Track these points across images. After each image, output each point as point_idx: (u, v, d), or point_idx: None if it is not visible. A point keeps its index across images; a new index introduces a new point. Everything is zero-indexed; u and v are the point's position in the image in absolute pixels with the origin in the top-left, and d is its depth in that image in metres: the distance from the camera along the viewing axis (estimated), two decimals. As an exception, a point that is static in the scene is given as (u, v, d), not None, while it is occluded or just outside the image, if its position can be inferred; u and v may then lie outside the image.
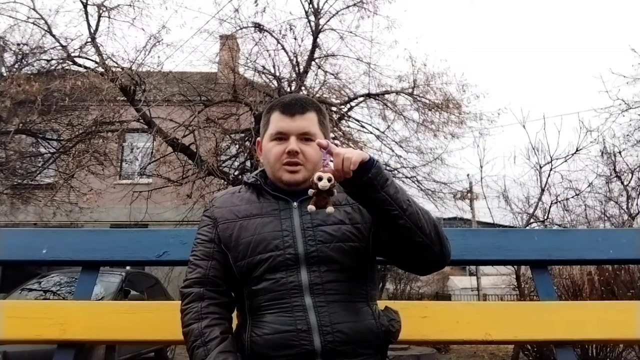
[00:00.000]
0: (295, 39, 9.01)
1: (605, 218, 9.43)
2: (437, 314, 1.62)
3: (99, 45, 8.42)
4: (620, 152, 9.22)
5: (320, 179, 1.09)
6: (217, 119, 8.71)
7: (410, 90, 9.52)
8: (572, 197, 8.91)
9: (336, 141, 8.16)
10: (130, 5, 8.61)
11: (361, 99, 9.89)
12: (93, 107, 8.98)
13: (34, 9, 8.51)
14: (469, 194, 13.16)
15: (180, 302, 1.28)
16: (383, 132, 10.14)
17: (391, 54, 26.41)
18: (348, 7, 9.25)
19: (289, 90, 8.91)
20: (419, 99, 9.56)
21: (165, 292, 7.75)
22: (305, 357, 1.14)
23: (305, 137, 1.30)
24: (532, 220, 8.42)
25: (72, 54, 8.63)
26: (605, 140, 9.03)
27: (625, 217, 9.07)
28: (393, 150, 10.24)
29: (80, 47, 8.65)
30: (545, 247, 1.74)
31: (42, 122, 9.43)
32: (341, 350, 1.15)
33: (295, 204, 1.28)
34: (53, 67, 8.89)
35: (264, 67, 9.25)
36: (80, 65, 8.67)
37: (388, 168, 9.43)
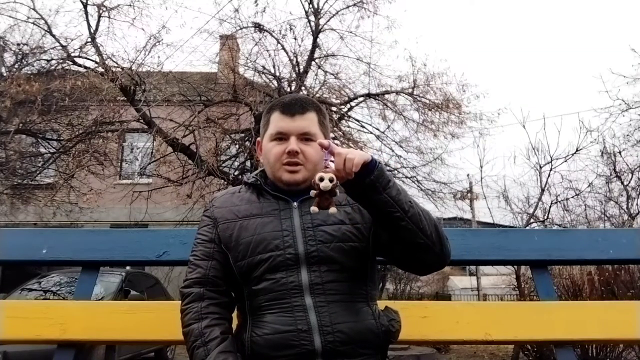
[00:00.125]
0: (295, 39, 9.03)
1: (605, 218, 9.43)
2: (437, 314, 1.62)
3: (99, 45, 8.44)
4: (620, 152, 9.24)
5: (322, 179, 1.08)
6: (217, 119, 8.71)
7: (410, 90, 9.52)
8: (572, 197, 8.93)
9: (336, 141, 8.16)
10: (130, 5, 8.63)
11: (361, 99, 9.90)
12: (93, 107, 8.98)
13: (34, 9, 8.53)
14: (469, 194, 13.16)
15: (180, 302, 1.28)
16: (383, 132, 10.16)
17: (391, 54, 26.41)
18: (348, 7, 9.27)
19: (289, 90, 8.91)
20: (419, 99, 9.57)
21: (165, 292, 7.75)
22: (305, 357, 1.14)
23: (305, 137, 1.30)
24: (532, 220, 8.42)
25: (72, 54, 8.64)
26: (605, 140, 9.05)
27: (625, 217, 9.07)
28: (393, 150, 10.26)
29: (80, 47, 8.66)
30: (545, 247, 1.74)
31: (42, 122, 9.43)
32: (341, 350, 1.15)
33: (295, 204, 1.28)
34: (53, 67, 8.89)
35: (264, 67, 9.27)
36: (80, 65, 8.67)
37: (388, 168, 9.42)
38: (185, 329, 1.23)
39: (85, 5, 8.36)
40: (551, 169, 8.10)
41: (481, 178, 8.92)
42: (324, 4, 9.14)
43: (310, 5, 9.06)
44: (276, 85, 9.25)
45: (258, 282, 1.21)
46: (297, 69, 9.10)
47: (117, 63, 8.36)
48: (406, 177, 10.17)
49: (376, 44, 9.55)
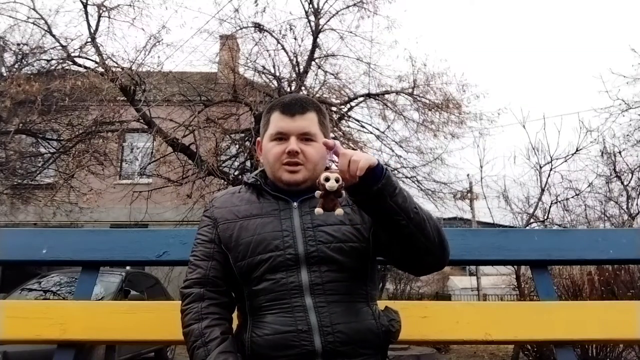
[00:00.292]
0: (295, 39, 9.02)
1: (605, 218, 9.43)
2: (437, 314, 1.62)
3: (99, 45, 8.43)
4: (620, 152, 9.23)
5: (327, 179, 1.04)
6: (217, 119, 8.70)
7: (410, 90, 9.52)
8: (572, 197, 8.93)
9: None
10: (130, 5, 8.63)
11: (361, 99, 9.89)
12: (93, 107, 8.98)
13: (34, 9, 8.52)
14: (469, 194, 13.16)
15: (180, 302, 1.28)
16: (383, 132, 10.16)
17: (391, 54, 26.41)
18: (348, 7, 9.27)
19: (289, 90, 8.91)
20: (419, 99, 9.57)
21: (165, 292, 7.75)
22: (305, 358, 1.14)
23: (305, 137, 1.30)
24: (532, 220, 8.42)
25: (72, 54, 8.64)
26: (605, 140, 9.04)
27: (625, 217, 9.07)
28: (393, 150, 10.25)
29: (80, 47, 8.66)
30: (545, 247, 1.74)
31: (42, 122, 9.43)
32: (341, 350, 1.15)
33: (295, 204, 1.28)
34: (53, 67, 8.89)
35: (264, 67, 9.27)
36: (80, 65, 8.67)
37: (388, 168, 9.42)
38: (185, 329, 1.22)
39: (85, 5, 8.36)
40: (551, 169, 8.11)
41: (481, 178, 8.93)
42: (324, 4, 9.16)
43: (310, 5, 9.07)
44: (276, 85, 9.25)
45: (258, 282, 1.21)
46: (297, 69, 9.10)
47: (117, 63, 8.37)
48: (406, 177, 10.18)
49: (376, 44, 9.57)
